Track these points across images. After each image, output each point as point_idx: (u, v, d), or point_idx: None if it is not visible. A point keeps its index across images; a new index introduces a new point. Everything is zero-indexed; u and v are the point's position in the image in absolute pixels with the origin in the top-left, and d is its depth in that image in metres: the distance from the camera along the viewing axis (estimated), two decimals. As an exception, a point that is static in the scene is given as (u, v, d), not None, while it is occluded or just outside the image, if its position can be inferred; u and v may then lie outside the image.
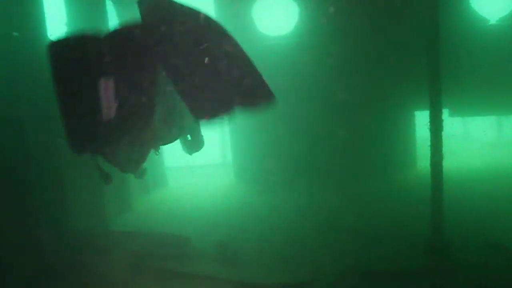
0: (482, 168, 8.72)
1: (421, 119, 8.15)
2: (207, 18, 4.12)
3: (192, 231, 6.17)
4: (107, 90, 4.11)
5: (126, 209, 7.40)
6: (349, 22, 8.19)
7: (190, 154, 5.98)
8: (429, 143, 5.05)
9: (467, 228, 5.41)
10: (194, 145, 5.85)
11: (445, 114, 5.43)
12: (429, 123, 4.97)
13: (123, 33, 4.25)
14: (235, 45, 4.29)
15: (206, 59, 4.08)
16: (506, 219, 5.81)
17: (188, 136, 5.66)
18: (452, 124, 8.84)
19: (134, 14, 4.35)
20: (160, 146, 5.57)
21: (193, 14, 4.08)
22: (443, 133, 4.98)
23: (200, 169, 10.63)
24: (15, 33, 5.40)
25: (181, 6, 4.07)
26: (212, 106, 4.20)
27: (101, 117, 4.19)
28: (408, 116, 8.67)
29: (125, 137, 4.51)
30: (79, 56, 4.11)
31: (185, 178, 9.97)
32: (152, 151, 5.28)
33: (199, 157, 10.43)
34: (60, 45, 4.18)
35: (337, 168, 8.46)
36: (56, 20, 6.94)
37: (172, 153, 10.12)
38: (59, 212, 5.41)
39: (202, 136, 5.86)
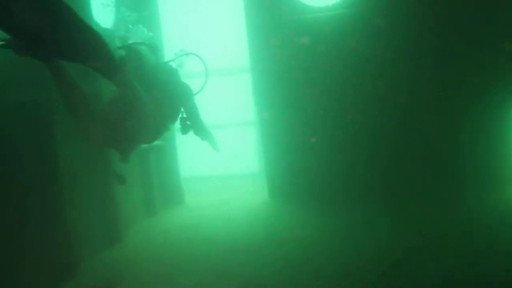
0: None
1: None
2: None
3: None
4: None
5: (112, 241, 5.44)
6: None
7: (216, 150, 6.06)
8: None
9: None
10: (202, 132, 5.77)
11: None
12: None
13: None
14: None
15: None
16: None
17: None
18: None
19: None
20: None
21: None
22: None
23: (232, 179, 8.67)
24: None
25: None
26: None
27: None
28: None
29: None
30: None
31: (209, 193, 7.97)
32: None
33: (231, 166, 8.66)
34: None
35: (410, 184, 6.30)
36: None
37: (197, 161, 8.39)
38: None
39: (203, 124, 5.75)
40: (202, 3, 9.45)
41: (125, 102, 4.36)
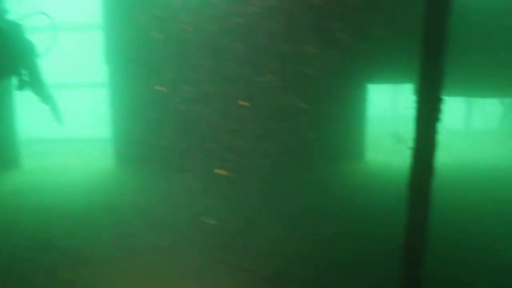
0: (453, 164, 6.77)
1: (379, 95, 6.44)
2: None
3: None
4: None
5: None
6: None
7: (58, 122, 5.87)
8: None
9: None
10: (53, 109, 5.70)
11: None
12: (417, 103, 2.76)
13: None
14: None
15: None
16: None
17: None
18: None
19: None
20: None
21: None
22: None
23: (78, 143, 8.16)
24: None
25: None
26: None
27: None
28: (355, 91, 6.46)
29: None
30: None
31: (52, 157, 7.41)
32: None
33: (76, 129, 8.15)
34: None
35: (251, 153, 6.40)
36: None
37: (41, 122, 7.76)
38: None
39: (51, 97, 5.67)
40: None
41: None
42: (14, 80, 5.42)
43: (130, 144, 6.48)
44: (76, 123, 7.87)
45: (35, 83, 5.32)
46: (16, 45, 4.99)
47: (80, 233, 4.25)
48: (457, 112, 9.48)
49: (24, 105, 6.87)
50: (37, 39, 5.40)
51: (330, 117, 6.41)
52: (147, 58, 6.20)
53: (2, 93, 6.13)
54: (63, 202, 5.20)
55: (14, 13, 5.48)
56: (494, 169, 6.49)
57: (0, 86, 5.82)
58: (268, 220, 4.54)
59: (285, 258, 3.68)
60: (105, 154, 7.07)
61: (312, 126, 6.42)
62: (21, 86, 5.26)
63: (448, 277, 3.32)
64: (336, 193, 5.37)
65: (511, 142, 8.10)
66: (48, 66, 5.54)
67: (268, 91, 6.22)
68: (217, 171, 5.64)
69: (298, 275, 3.38)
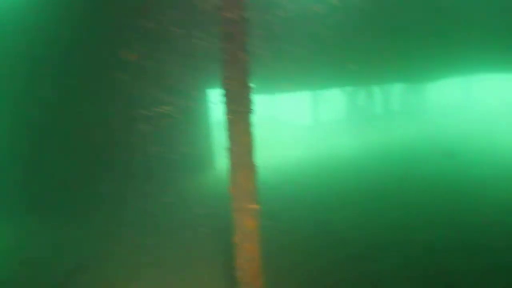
0: (306, 157, 6.93)
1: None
2: None
3: None
4: None
5: None
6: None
7: None
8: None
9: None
10: None
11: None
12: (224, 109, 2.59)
13: None
14: None
15: None
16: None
17: None
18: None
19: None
20: None
21: None
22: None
23: None
24: None
25: None
26: None
27: None
28: (196, 96, 6.36)
29: None
30: None
31: None
32: None
33: None
34: None
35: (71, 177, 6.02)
36: None
37: None
38: None
39: None
40: None
41: None
42: None
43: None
44: None
45: None
46: None
47: None
48: (303, 107, 9.82)
49: None
50: None
51: (174, 128, 6.26)
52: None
53: None
54: None
55: None
56: (344, 159, 6.80)
57: None
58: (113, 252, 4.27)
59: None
60: None
61: (158, 139, 6.22)
62: None
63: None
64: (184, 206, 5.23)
65: (354, 130, 8.58)
66: None
67: (105, 104, 5.91)
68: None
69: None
